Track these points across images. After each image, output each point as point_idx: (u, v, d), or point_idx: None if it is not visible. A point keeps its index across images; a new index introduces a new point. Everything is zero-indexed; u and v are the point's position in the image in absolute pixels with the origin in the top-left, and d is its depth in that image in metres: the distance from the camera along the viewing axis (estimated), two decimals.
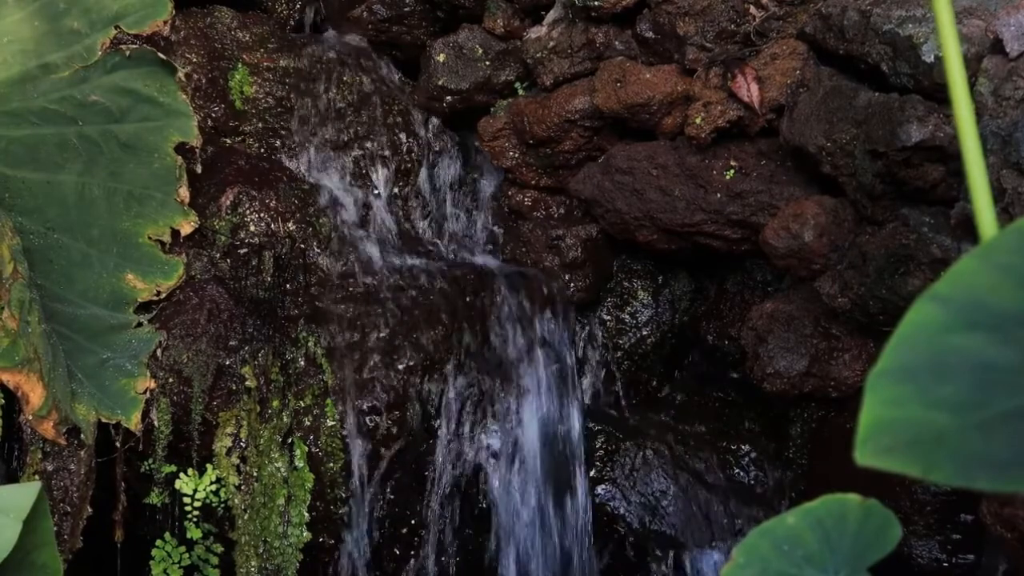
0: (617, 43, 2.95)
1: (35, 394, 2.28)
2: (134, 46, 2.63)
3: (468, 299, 2.91)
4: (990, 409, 0.67)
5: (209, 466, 2.64)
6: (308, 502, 2.66)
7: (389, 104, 3.29)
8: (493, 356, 2.89)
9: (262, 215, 2.81)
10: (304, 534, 2.66)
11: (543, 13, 3.14)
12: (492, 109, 3.23)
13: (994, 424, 0.67)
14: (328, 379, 2.72)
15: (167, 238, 2.67)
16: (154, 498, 2.64)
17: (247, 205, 2.81)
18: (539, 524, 2.87)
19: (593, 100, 2.95)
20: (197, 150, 2.72)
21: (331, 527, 2.71)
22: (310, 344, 2.74)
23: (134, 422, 2.50)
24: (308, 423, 2.69)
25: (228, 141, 3.09)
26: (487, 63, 3.20)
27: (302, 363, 2.73)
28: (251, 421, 2.64)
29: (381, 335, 2.79)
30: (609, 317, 3.17)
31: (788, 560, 0.91)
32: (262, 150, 3.12)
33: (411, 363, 2.77)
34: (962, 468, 0.65)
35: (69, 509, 2.50)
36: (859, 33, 2.48)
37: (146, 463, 2.62)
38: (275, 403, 2.67)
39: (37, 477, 2.47)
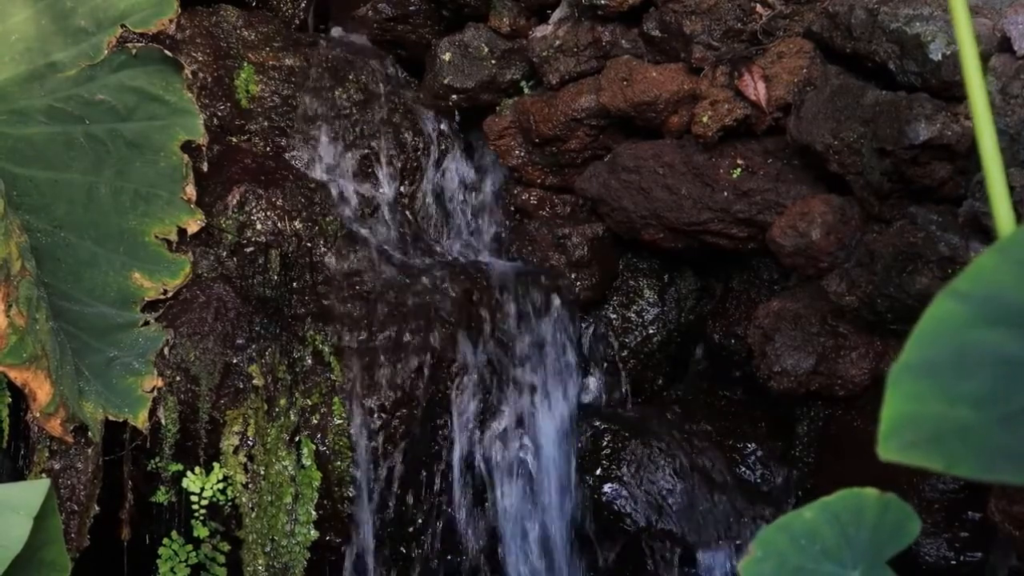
0: (623, 42, 2.95)
1: (42, 391, 2.28)
2: (140, 45, 2.63)
3: (474, 298, 2.91)
4: (1012, 403, 0.67)
5: (216, 464, 2.64)
6: (315, 500, 2.66)
7: (394, 103, 3.29)
8: (499, 354, 2.89)
9: (268, 214, 2.82)
10: (311, 532, 2.66)
11: (549, 12, 3.14)
12: (498, 108, 3.23)
13: (1016, 418, 0.67)
14: (335, 377, 2.72)
15: (174, 237, 2.67)
16: (161, 496, 2.64)
17: (253, 204, 2.81)
18: (543, 522, 2.87)
19: (599, 99, 2.95)
20: (203, 148, 2.72)
21: (338, 525, 2.71)
22: (317, 342, 2.75)
23: (141, 420, 2.50)
24: (315, 421, 2.70)
25: (234, 140, 3.10)
26: (493, 62, 3.20)
27: (309, 361, 2.74)
28: (258, 419, 2.65)
29: (388, 333, 2.79)
30: (615, 316, 3.17)
31: (805, 554, 0.91)
32: (268, 149, 3.12)
33: (418, 361, 2.77)
34: (985, 462, 0.66)
35: (76, 507, 2.50)
36: (866, 31, 2.48)
37: (153, 461, 2.63)
38: (282, 401, 2.68)
39: (44, 475, 2.47)
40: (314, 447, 2.68)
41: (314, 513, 2.66)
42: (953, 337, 0.69)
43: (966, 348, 0.69)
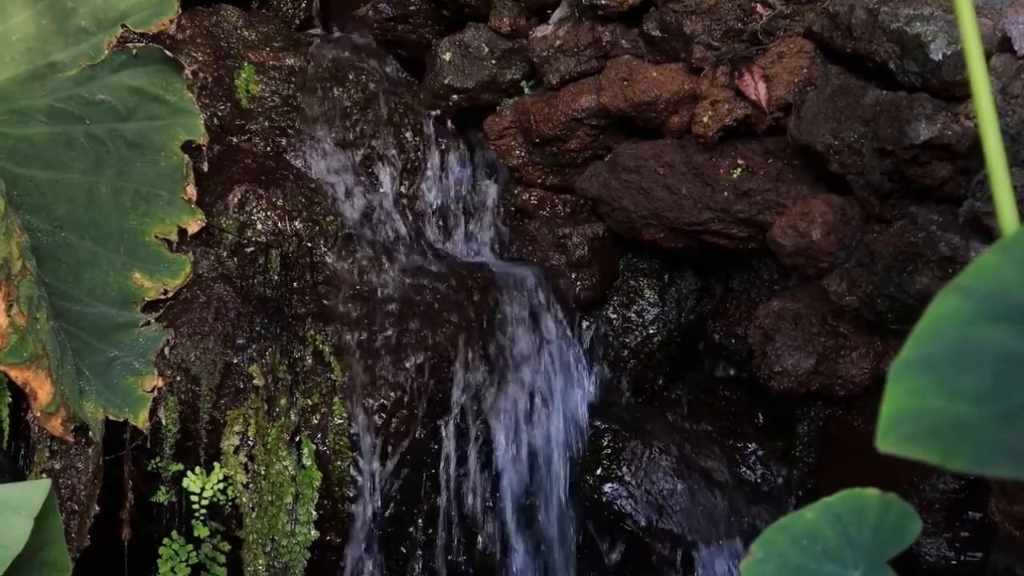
0: (624, 41, 2.95)
1: (43, 391, 2.28)
2: (141, 45, 2.63)
3: (475, 298, 2.91)
4: (1012, 399, 0.67)
5: (217, 464, 2.64)
6: (316, 500, 2.66)
7: (395, 103, 3.29)
8: (500, 355, 2.89)
9: (269, 213, 2.82)
10: (312, 532, 2.66)
11: (549, 12, 3.14)
12: (498, 108, 3.23)
13: (1015, 414, 0.67)
14: (336, 377, 2.72)
15: (174, 237, 2.67)
16: (161, 496, 2.64)
17: (254, 203, 2.81)
18: (544, 522, 2.87)
19: (600, 99, 2.95)
20: (203, 148, 2.72)
21: (339, 525, 2.71)
22: (317, 342, 2.75)
23: (141, 420, 2.50)
24: (316, 421, 2.70)
25: (234, 140, 3.10)
26: (493, 62, 3.20)
27: (310, 361, 2.74)
28: (259, 419, 2.65)
29: (388, 334, 2.79)
30: (615, 316, 3.17)
31: (807, 554, 0.91)
32: (268, 149, 3.12)
33: (419, 361, 2.77)
34: (983, 456, 0.66)
35: (76, 507, 2.50)
36: (867, 31, 2.48)
37: (153, 461, 2.63)
38: (283, 401, 2.68)
39: (45, 475, 2.47)
40: (314, 447, 2.68)
41: (314, 513, 2.66)
42: (955, 333, 0.69)
43: (967, 344, 0.69)
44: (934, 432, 0.66)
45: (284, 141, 3.15)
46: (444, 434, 2.81)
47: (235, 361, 2.67)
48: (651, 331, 3.17)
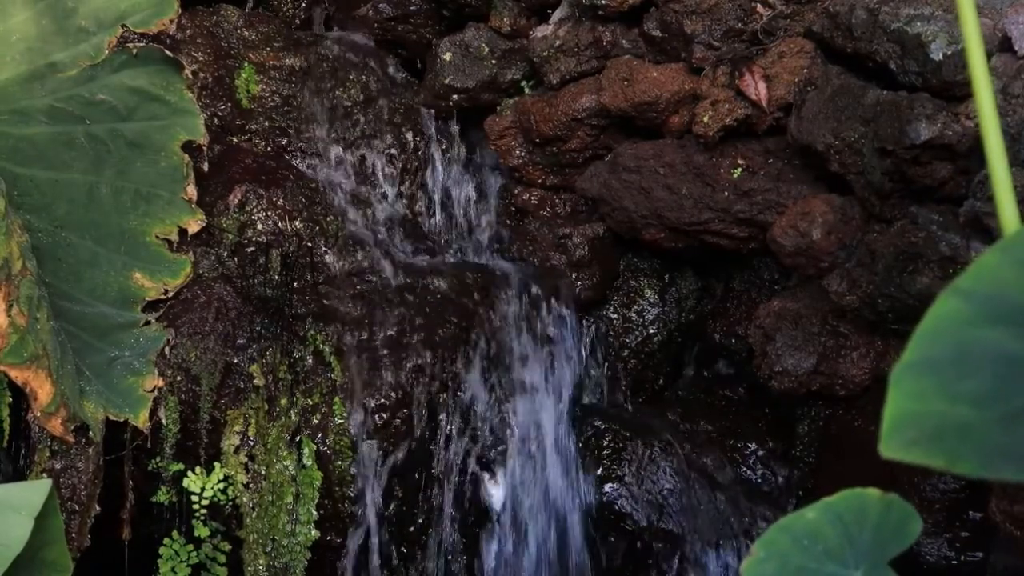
0: (624, 41, 2.95)
1: (43, 391, 2.28)
2: (141, 44, 2.63)
3: (475, 297, 2.91)
4: (1012, 402, 0.67)
5: (217, 464, 2.64)
6: (316, 500, 2.66)
7: (395, 103, 3.29)
8: (500, 354, 2.89)
9: (269, 213, 2.81)
10: (312, 532, 2.66)
11: (549, 12, 3.14)
12: (498, 108, 3.23)
13: (1016, 417, 0.67)
14: (336, 377, 2.72)
15: (174, 236, 2.67)
16: (162, 496, 2.64)
17: (254, 203, 2.81)
18: (544, 522, 2.87)
19: (600, 98, 2.95)
20: (204, 148, 2.72)
21: (339, 525, 2.71)
22: (318, 342, 2.75)
23: (142, 420, 2.50)
24: (316, 421, 2.69)
25: (235, 140, 3.10)
26: (493, 62, 3.20)
27: (310, 361, 2.74)
28: (259, 419, 2.65)
29: (389, 333, 2.79)
30: (616, 316, 3.17)
31: (808, 554, 0.91)
32: (269, 148, 3.12)
33: (419, 361, 2.77)
34: (985, 460, 0.66)
35: (77, 507, 2.50)
36: (867, 31, 2.48)
37: (154, 461, 2.63)
38: (283, 401, 2.68)
39: (45, 475, 2.47)
40: (315, 447, 2.68)
41: (315, 513, 2.66)
42: (955, 335, 0.69)
43: (968, 346, 0.69)
44: (937, 436, 0.66)
45: (284, 141, 3.15)
46: (444, 434, 2.81)
47: (235, 361, 2.67)
48: (651, 331, 3.17)
